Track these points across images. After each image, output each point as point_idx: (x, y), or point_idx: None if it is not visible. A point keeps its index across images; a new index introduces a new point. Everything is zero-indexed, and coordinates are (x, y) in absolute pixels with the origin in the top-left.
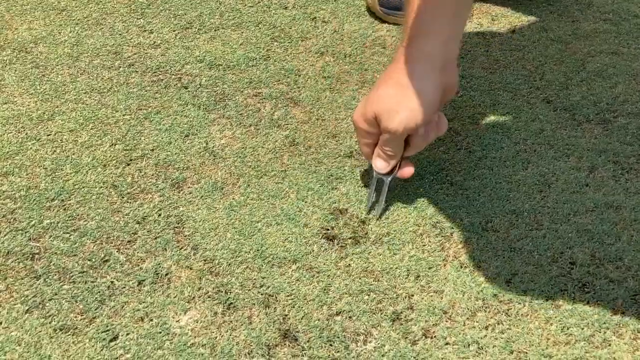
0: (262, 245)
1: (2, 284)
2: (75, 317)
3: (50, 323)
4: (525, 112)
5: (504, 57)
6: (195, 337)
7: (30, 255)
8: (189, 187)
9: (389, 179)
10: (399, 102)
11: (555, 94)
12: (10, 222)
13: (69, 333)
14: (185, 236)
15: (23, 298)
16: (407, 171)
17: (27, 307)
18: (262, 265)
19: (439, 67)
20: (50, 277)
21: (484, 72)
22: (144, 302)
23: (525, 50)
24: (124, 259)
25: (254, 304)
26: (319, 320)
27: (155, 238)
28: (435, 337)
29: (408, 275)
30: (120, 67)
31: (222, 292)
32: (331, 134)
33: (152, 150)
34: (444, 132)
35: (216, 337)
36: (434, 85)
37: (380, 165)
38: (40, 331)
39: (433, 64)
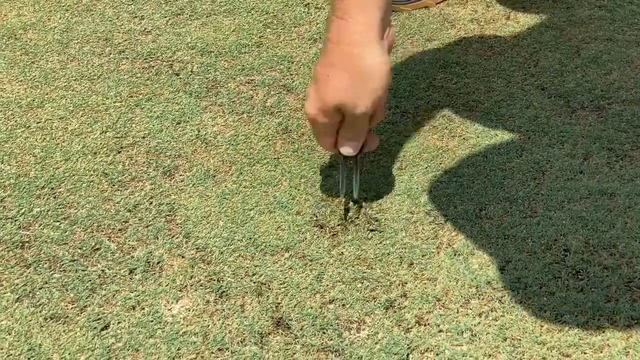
0: (255, 233)
1: None
2: (66, 305)
3: (40, 312)
4: (519, 99)
5: (499, 44)
6: (187, 325)
7: (20, 244)
8: (180, 175)
9: (359, 157)
10: (359, 86)
11: (549, 80)
12: None
13: (60, 322)
14: (177, 224)
15: (13, 287)
16: (375, 142)
17: (17, 296)
18: (254, 254)
19: (382, 32)
20: (40, 265)
21: (478, 58)
22: (135, 291)
23: (519, 36)
24: (115, 248)
25: (247, 292)
26: (312, 308)
27: (147, 226)
28: (428, 324)
29: (401, 262)
30: (110, 53)
31: (214, 280)
32: None
33: (143, 137)
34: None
35: (208, 326)
36: (382, 55)
37: (351, 148)
38: (30, 320)
39: (375, 32)
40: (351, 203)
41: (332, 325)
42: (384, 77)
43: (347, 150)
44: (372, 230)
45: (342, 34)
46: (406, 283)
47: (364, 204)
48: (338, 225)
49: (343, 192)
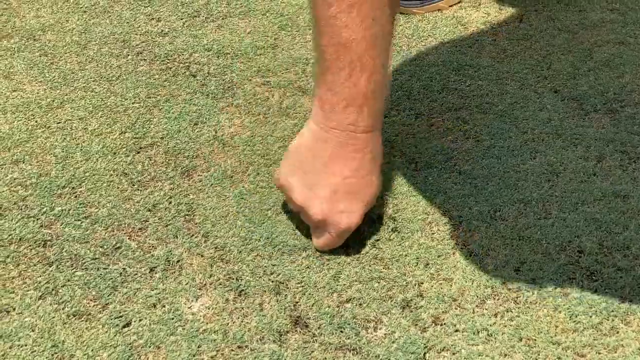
0: (272, 233)
1: (15, 270)
2: (88, 303)
3: (63, 309)
4: (532, 102)
5: (512, 47)
6: (207, 323)
7: (43, 242)
8: (198, 175)
9: None
10: (357, 204)
11: (562, 83)
12: (21, 209)
13: (83, 319)
14: (196, 224)
15: (36, 284)
16: None
17: (40, 294)
18: (272, 253)
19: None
20: (62, 263)
21: (491, 61)
22: (156, 289)
23: (532, 39)
24: (136, 246)
25: (265, 291)
26: (329, 307)
27: (166, 225)
28: (444, 324)
29: (417, 263)
30: (128, 55)
31: (233, 279)
32: None
33: (162, 138)
34: None
35: (228, 324)
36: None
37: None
38: (53, 317)
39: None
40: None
41: (349, 324)
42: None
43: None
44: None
45: (377, 141)
46: (422, 283)
47: None
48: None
49: None
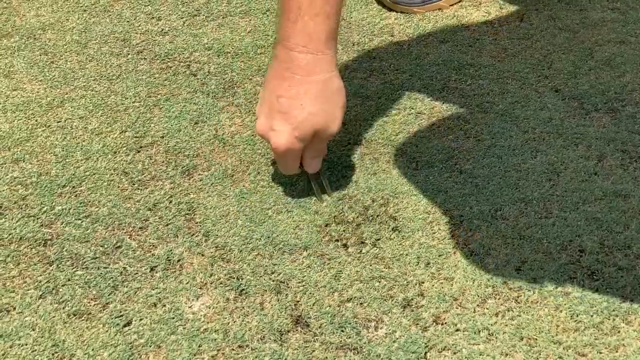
0: (273, 232)
1: (16, 269)
2: (89, 302)
3: (63, 308)
4: (533, 101)
5: (512, 46)
6: (208, 322)
7: (43, 241)
8: (199, 175)
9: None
10: (332, 108)
11: (563, 82)
12: (22, 209)
13: (83, 318)
14: (197, 223)
15: (36, 284)
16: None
17: (40, 293)
18: (273, 252)
19: (334, 53)
20: (63, 263)
21: (492, 60)
22: (156, 288)
23: (533, 38)
24: (136, 245)
25: (266, 290)
26: (330, 306)
27: (167, 225)
28: (445, 323)
29: (418, 262)
30: (128, 54)
31: (233, 278)
32: None
33: (162, 137)
34: None
35: (229, 323)
36: (340, 77)
37: (317, 165)
38: (54, 316)
39: (336, 60)
40: (329, 198)
41: (350, 324)
42: (344, 95)
43: (314, 167)
44: (393, 230)
45: (314, 66)
46: (423, 282)
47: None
48: (355, 223)
49: (324, 199)
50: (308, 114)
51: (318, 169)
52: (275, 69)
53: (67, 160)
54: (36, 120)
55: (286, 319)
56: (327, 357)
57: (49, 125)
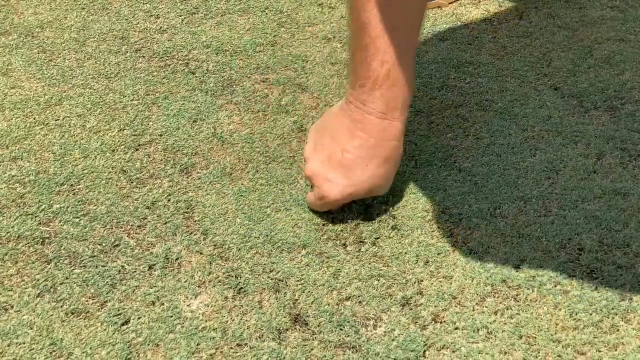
0: (272, 230)
1: (13, 268)
2: (87, 301)
3: (62, 307)
4: (532, 99)
5: (511, 44)
6: (206, 321)
7: (41, 240)
8: (197, 173)
9: None
10: (390, 176)
11: (562, 80)
12: (20, 207)
13: (81, 317)
14: (195, 221)
15: (34, 282)
16: None
17: (38, 291)
18: (271, 251)
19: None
20: (61, 261)
21: (491, 58)
22: (155, 287)
23: (532, 36)
24: (134, 244)
25: (264, 288)
26: (329, 305)
27: (165, 223)
28: (444, 321)
29: (417, 260)
30: (127, 52)
31: (232, 276)
32: None
33: (161, 135)
34: None
35: (227, 321)
36: (402, 146)
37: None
38: (52, 315)
39: (402, 123)
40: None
41: (349, 322)
42: (400, 161)
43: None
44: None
45: (388, 133)
46: (422, 281)
47: None
48: (354, 222)
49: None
50: (370, 176)
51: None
52: (344, 123)
53: (65, 158)
54: (34, 119)
55: (285, 317)
56: (325, 356)
57: (47, 124)
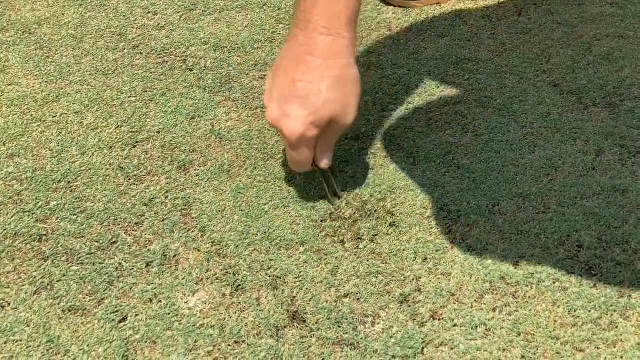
0: (269, 227)
1: (10, 265)
2: (84, 298)
3: (58, 304)
4: (531, 95)
5: (510, 40)
6: (204, 318)
7: (38, 237)
8: (195, 170)
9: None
10: (349, 95)
11: (561, 77)
12: (16, 204)
13: (78, 314)
14: (192, 218)
15: (31, 279)
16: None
17: (35, 288)
18: (269, 247)
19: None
20: (58, 258)
21: (490, 54)
22: (152, 283)
23: (531, 33)
24: (132, 241)
25: (262, 285)
26: (326, 302)
27: (163, 220)
28: (442, 318)
29: (415, 257)
30: (124, 48)
31: (230, 273)
32: None
33: (158, 132)
34: None
35: (225, 318)
36: (356, 66)
37: (328, 159)
38: (48, 312)
39: (355, 46)
40: (337, 201)
41: (347, 319)
42: (360, 85)
43: (325, 162)
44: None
45: (335, 49)
46: (420, 277)
47: (344, 194)
48: (352, 218)
49: (335, 203)
50: (325, 99)
51: (329, 165)
52: (292, 52)
53: (62, 155)
54: (31, 115)
55: (282, 314)
56: (323, 353)
57: (44, 120)
